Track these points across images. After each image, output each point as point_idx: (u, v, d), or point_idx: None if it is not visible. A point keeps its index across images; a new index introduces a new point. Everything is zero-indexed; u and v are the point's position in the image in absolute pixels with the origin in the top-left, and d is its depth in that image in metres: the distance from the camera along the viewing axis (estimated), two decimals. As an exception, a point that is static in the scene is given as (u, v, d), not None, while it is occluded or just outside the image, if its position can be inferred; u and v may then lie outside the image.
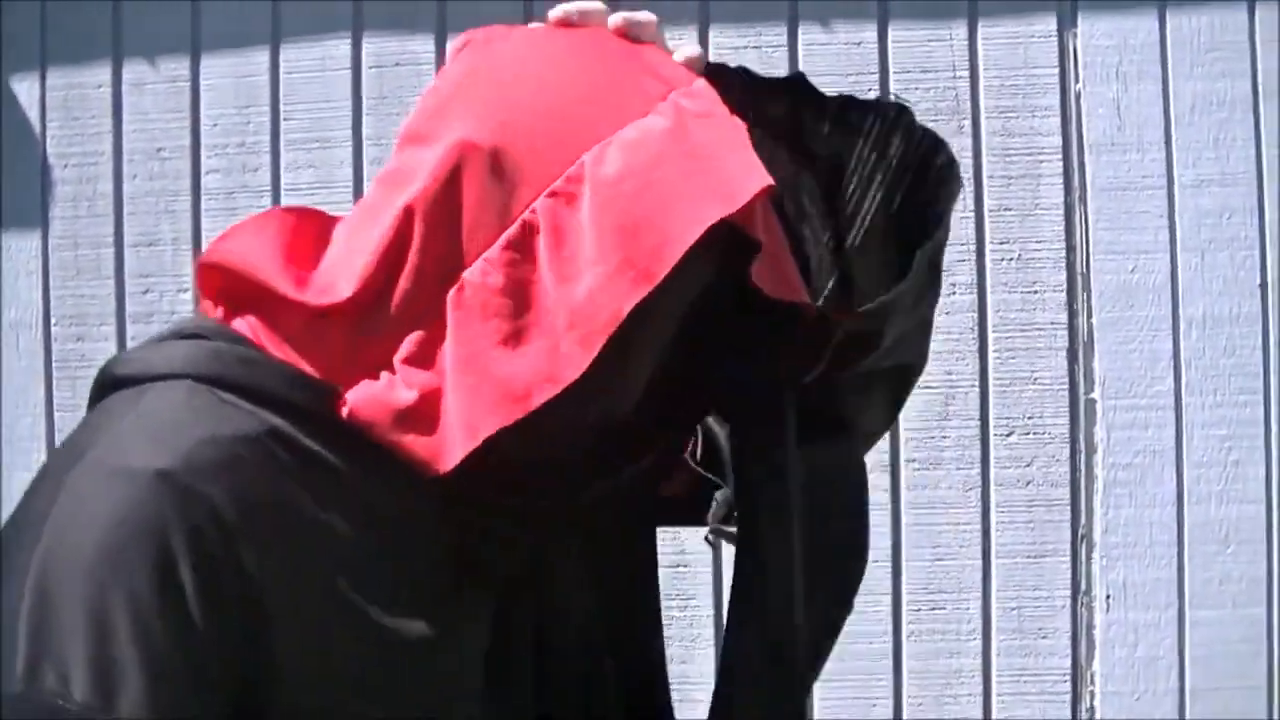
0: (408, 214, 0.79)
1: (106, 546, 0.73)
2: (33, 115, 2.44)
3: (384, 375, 0.79)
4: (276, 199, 2.39)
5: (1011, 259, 2.31)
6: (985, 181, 2.30)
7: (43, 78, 2.44)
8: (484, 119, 0.80)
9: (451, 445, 0.77)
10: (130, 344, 2.39)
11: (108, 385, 0.83)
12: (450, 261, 0.79)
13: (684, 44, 0.85)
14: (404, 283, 0.79)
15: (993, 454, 2.30)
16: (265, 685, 0.77)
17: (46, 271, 2.44)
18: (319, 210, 0.89)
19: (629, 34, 0.84)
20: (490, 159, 0.79)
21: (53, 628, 0.72)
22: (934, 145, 0.90)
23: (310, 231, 0.85)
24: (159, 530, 0.73)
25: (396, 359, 0.79)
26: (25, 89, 2.44)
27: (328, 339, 0.81)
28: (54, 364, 2.43)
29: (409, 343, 0.79)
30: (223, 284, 0.84)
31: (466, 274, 0.78)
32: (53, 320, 2.44)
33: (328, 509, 0.79)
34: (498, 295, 0.78)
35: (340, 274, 0.81)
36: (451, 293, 0.79)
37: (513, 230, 0.78)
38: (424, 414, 0.78)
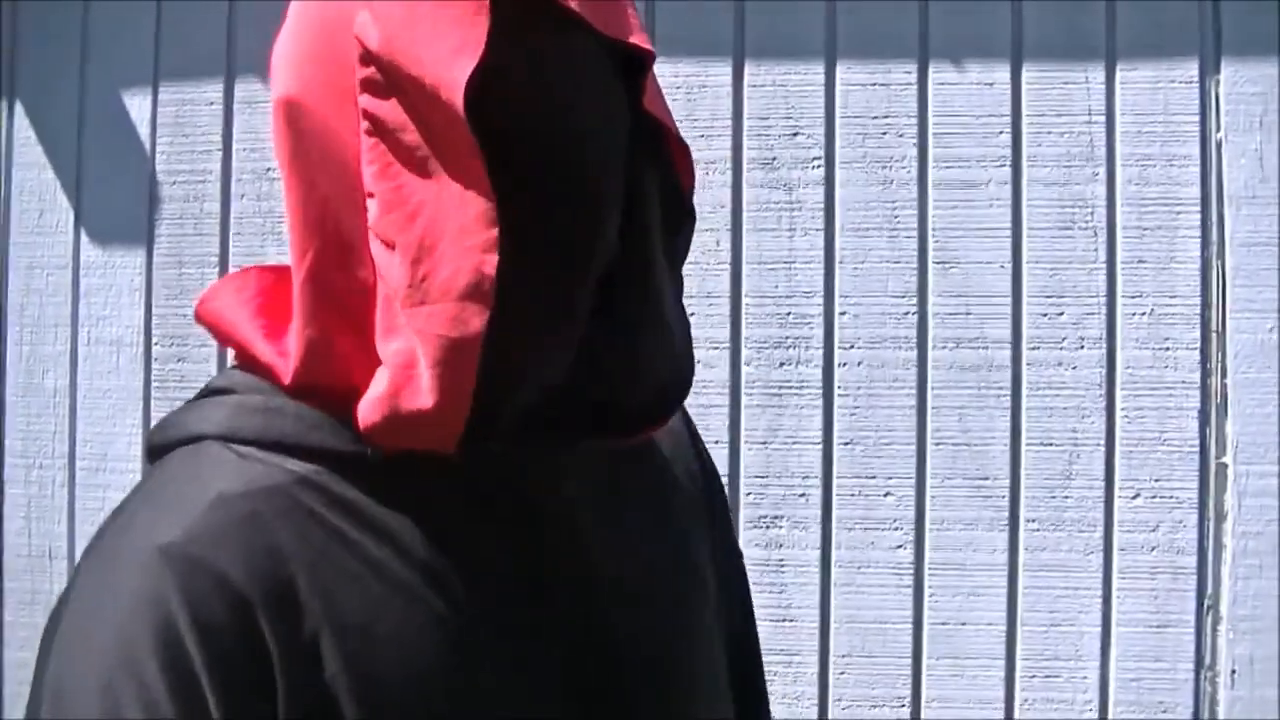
0: (294, 229, 0.76)
1: (114, 633, 0.71)
2: (143, 132, 2.41)
3: (377, 375, 0.74)
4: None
5: (1144, 314, 2.21)
6: (1119, 232, 2.21)
7: (154, 93, 2.41)
8: (276, 85, 0.78)
9: (451, 402, 0.71)
10: (230, 367, 2.35)
11: (152, 454, 0.82)
12: (342, 231, 0.75)
13: None
14: (327, 283, 0.75)
15: (1117, 517, 2.20)
16: None
17: (150, 290, 2.41)
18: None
19: None
20: (299, 110, 0.76)
21: None
22: None
23: (287, 292, 0.82)
24: (161, 608, 0.71)
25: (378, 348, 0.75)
26: (136, 104, 2.41)
27: (321, 388, 0.78)
28: (153, 384, 2.40)
29: (378, 329, 0.74)
30: (224, 342, 0.84)
31: (370, 223, 0.73)
32: (154, 340, 2.41)
33: (363, 552, 0.76)
34: (387, 217, 0.73)
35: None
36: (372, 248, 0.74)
37: (365, 150, 0.74)
38: (411, 387, 0.72)
